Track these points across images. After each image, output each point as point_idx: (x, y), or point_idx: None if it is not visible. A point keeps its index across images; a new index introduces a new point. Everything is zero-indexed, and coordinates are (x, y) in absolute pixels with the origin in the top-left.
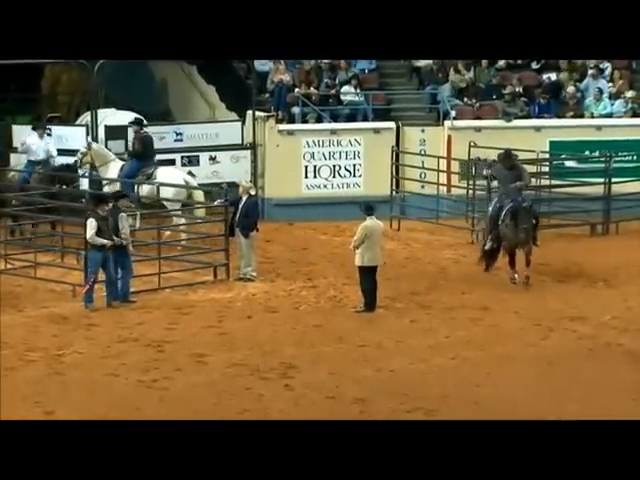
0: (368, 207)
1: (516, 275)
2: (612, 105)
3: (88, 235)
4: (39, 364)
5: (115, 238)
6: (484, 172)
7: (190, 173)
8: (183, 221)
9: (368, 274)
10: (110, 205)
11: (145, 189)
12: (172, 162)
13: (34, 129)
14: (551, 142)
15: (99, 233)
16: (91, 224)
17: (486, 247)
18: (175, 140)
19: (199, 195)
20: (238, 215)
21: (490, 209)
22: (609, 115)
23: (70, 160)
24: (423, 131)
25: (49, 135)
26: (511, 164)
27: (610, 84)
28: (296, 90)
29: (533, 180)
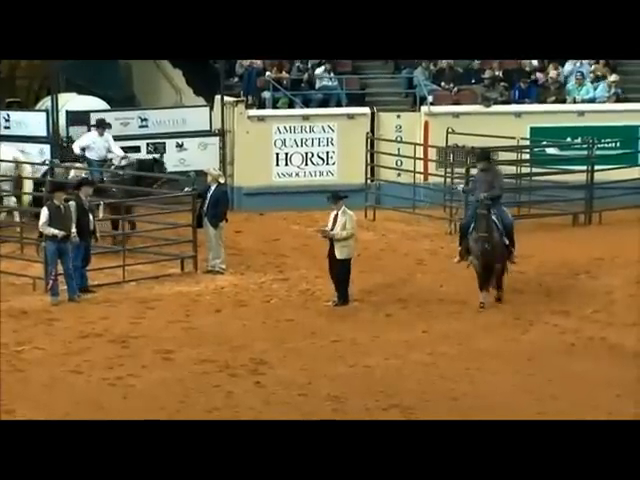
0: (337, 196)
1: (482, 298)
2: (595, 90)
3: (39, 224)
4: None
5: (74, 230)
6: (460, 188)
7: (22, 151)
8: (14, 201)
9: (347, 266)
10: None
11: None
12: (137, 149)
13: (94, 126)
14: (532, 128)
15: (52, 223)
16: (44, 213)
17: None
18: (140, 126)
19: (26, 171)
20: (206, 205)
21: (463, 216)
22: (592, 100)
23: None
24: (399, 117)
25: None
26: (487, 166)
27: (593, 67)
28: (267, 74)
29: (513, 168)
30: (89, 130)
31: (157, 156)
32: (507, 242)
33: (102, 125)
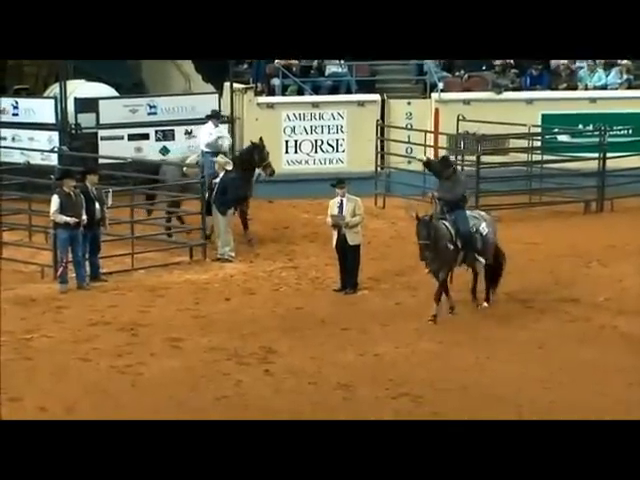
0: (340, 180)
1: (434, 310)
2: (607, 76)
3: (51, 212)
4: (5, 349)
5: (84, 217)
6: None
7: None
8: None
9: (358, 252)
10: (76, 181)
11: None
12: (145, 136)
13: (208, 118)
14: (543, 115)
15: (64, 210)
16: (54, 201)
17: (426, 270)
18: (149, 113)
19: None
20: (215, 192)
21: None
22: (604, 87)
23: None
24: (409, 104)
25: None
26: (447, 173)
27: None
28: (276, 61)
29: (524, 156)
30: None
31: (256, 141)
32: (459, 247)
33: (217, 117)
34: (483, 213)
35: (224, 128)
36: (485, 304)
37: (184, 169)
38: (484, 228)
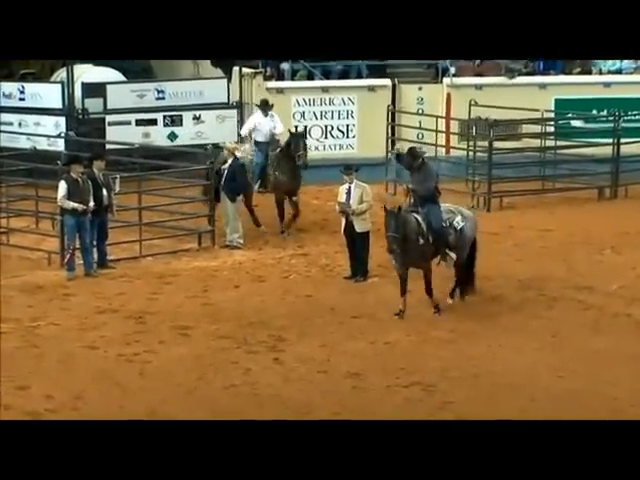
0: (348, 167)
1: (401, 305)
2: (621, 61)
3: (58, 198)
4: (12, 336)
5: (92, 203)
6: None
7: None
8: None
9: (367, 239)
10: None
11: None
12: (153, 122)
13: (259, 107)
14: (556, 100)
15: (71, 197)
16: (61, 187)
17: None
18: (157, 98)
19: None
20: (224, 179)
21: None
22: (618, 71)
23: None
24: (421, 89)
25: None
26: (417, 165)
27: None
28: None
29: (537, 141)
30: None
31: (301, 129)
32: (430, 241)
33: (266, 105)
34: (462, 207)
35: (273, 117)
36: (450, 300)
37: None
38: (459, 222)
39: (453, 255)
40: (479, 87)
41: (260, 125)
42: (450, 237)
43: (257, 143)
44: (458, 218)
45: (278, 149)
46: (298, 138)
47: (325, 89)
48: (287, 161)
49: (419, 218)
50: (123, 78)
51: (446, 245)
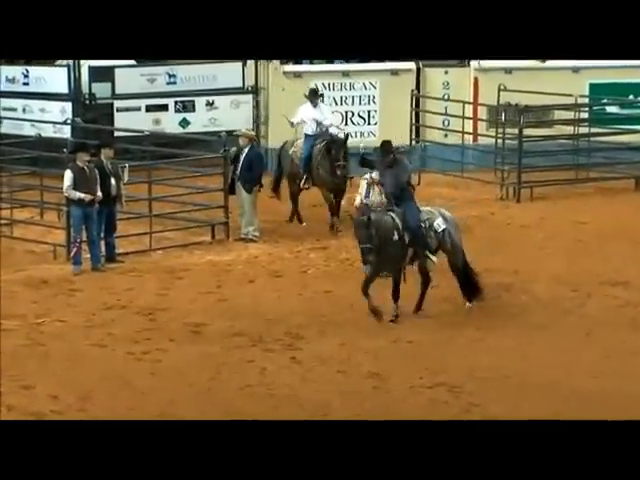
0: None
1: (393, 310)
2: None
3: (64, 188)
4: (15, 334)
5: (99, 193)
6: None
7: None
8: None
9: None
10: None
11: None
12: (164, 107)
13: (307, 97)
14: (591, 85)
15: (77, 186)
16: (67, 176)
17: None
18: (168, 83)
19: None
20: (239, 168)
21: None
22: None
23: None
24: (447, 73)
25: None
26: (388, 161)
27: None
28: None
29: (570, 128)
30: None
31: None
32: (406, 242)
33: (314, 95)
34: (443, 210)
35: (321, 108)
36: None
37: (290, 151)
38: (439, 224)
39: (434, 258)
40: (509, 71)
41: (308, 117)
42: (429, 239)
43: (306, 136)
44: (439, 220)
45: (323, 143)
46: (339, 146)
47: (345, 73)
48: (329, 160)
49: (395, 217)
50: (132, 61)
51: (425, 247)
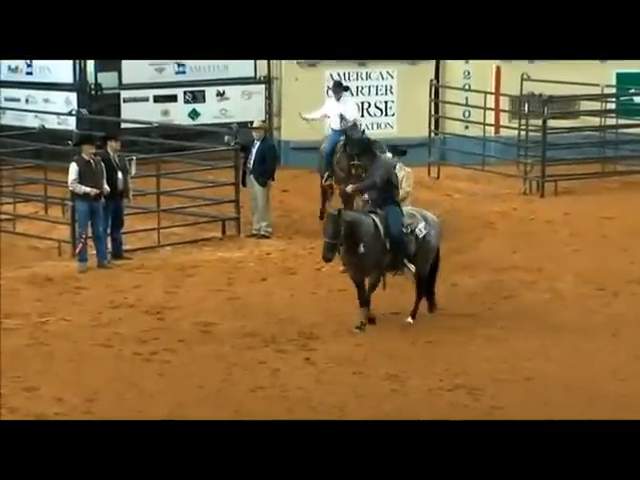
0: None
1: (361, 317)
2: None
3: (69, 182)
4: (19, 333)
5: (106, 187)
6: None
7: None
8: None
9: None
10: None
11: None
12: (173, 98)
13: (331, 89)
14: (618, 74)
15: (83, 180)
16: (72, 169)
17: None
18: (177, 73)
19: None
20: (252, 161)
21: None
22: None
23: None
24: (467, 62)
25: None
26: (367, 159)
27: None
28: None
29: (596, 119)
30: None
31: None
32: (387, 248)
33: (338, 87)
34: (426, 212)
35: (348, 101)
36: (410, 320)
37: (321, 147)
38: (421, 229)
39: (412, 267)
40: (532, 60)
41: (331, 112)
42: (410, 245)
43: (332, 131)
44: (421, 225)
45: (342, 139)
46: (353, 143)
47: (362, 62)
48: (347, 158)
49: (377, 221)
50: None
51: (405, 254)
